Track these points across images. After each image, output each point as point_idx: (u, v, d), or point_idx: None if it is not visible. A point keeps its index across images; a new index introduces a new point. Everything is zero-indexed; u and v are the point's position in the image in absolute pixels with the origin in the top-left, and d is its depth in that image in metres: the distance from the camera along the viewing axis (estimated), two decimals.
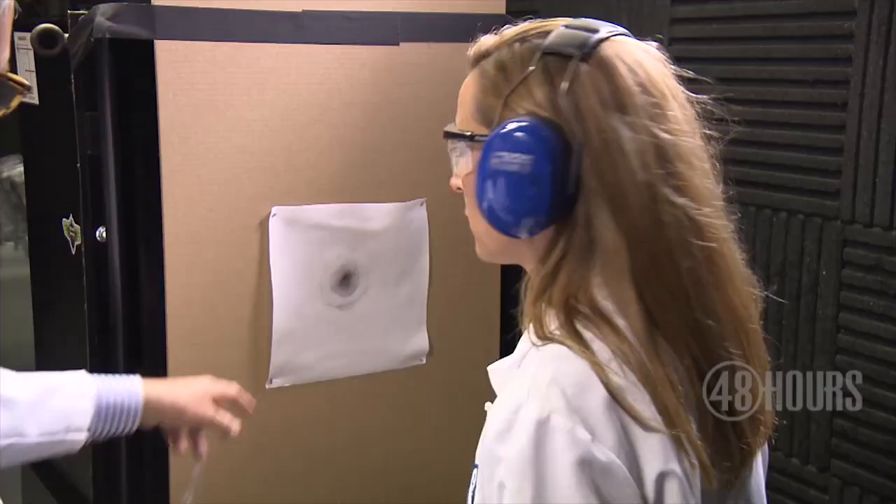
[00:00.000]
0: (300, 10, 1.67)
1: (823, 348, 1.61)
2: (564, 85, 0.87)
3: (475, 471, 0.90)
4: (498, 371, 0.98)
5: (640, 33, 0.99)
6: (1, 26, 0.75)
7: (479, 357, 1.96)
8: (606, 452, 0.82)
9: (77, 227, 1.71)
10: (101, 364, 1.64)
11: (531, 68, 0.89)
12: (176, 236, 1.61)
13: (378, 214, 1.79)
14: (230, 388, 1.39)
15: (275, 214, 1.68)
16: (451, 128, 0.96)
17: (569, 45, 0.89)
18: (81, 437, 1.18)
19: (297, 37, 1.67)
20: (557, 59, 0.89)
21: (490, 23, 1.73)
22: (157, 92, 1.55)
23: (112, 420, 1.19)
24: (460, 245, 1.89)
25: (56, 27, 1.52)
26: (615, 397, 0.84)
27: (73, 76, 1.57)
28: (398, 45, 1.77)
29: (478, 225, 0.95)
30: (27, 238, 2.43)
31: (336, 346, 1.79)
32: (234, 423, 1.34)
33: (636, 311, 0.87)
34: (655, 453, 0.84)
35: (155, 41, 1.54)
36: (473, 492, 0.91)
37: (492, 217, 0.90)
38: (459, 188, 0.98)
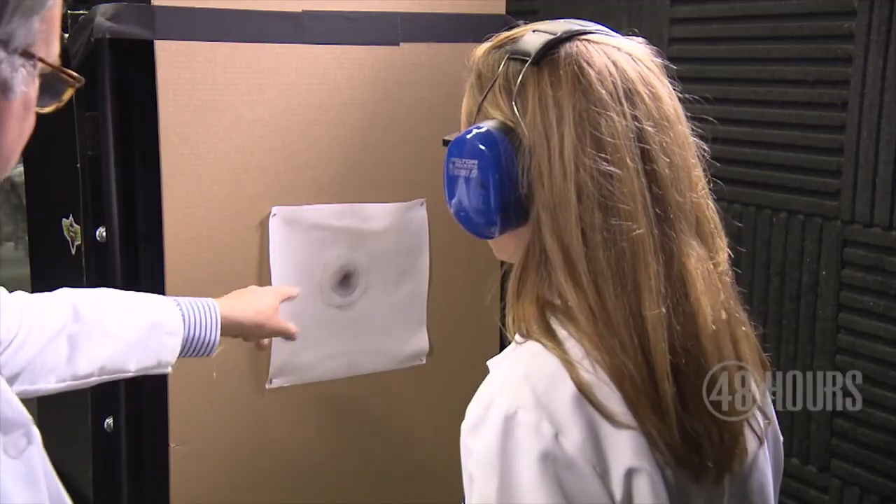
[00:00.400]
0: (300, 10, 1.67)
1: (823, 348, 1.62)
2: (515, 89, 0.91)
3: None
4: (497, 365, 0.99)
5: (639, 33, 0.99)
6: (51, 19, 0.77)
7: (479, 357, 1.94)
8: (571, 447, 0.83)
9: (77, 227, 1.70)
10: None
11: (497, 74, 0.93)
12: (176, 236, 1.61)
13: (378, 214, 1.79)
14: (292, 290, 1.58)
15: (275, 214, 1.68)
16: (448, 136, 0.99)
17: (526, 50, 0.92)
18: (167, 370, 1.38)
19: (296, 37, 1.67)
20: (516, 63, 0.92)
21: (490, 23, 1.74)
22: (157, 92, 1.55)
23: (194, 349, 1.39)
24: (460, 245, 1.91)
25: None
26: (584, 393, 0.85)
27: None
28: (398, 45, 1.77)
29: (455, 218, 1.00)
30: (27, 238, 2.43)
31: (336, 346, 1.79)
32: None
33: (580, 306, 0.88)
34: (624, 449, 0.85)
35: (155, 41, 1.54)
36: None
37: (459, 219, 0.96)
38: None
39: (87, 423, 1.66)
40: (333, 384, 1.80)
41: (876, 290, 1.54)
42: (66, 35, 1.53)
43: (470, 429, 0.88)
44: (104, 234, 1.60)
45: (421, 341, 1.88)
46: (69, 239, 1.78)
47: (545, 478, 0.82)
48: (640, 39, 0.97)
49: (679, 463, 0.87)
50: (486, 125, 0.92)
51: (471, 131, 0.92)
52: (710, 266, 0.93)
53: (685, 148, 0.93)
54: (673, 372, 0.87)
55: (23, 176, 2.34)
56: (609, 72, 0.91)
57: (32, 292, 2.20)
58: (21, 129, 0.78)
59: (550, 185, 0.89)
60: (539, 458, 0.83)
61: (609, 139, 0.88)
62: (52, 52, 0.78)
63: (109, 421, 1.64)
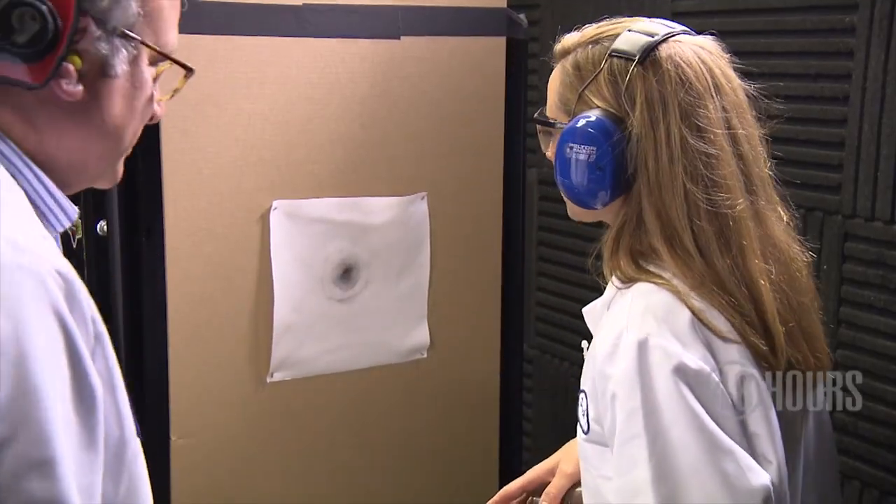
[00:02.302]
0: (301, 3, 1.67)
1: None
2: (623, 85, 1.07)
3: (581, 396, 1.10)
4: (591, 312, 1.19)
5: None
6: (154, 9, 0.85)
7: (479, 351, 1.97)
8: (696, 361, 1.01)
9: (78, 220, 1.69)
10: None
11: (601, 68, 1.09)
12: (177, 230, 1.61)
13: (379, 208, 1.79)
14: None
15: (276, 208, 1.69)
16: (539, 115, 1.17)
17: (630, 49, 1.08)
18: None
19: (297, 30, 1.67)
20: (621, 61, 1.08)
21: (491, 17, 1.76)
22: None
23: None
24: (461, 239, 1.92)
25: None
26: (697, 317, 1.03)
27: None
28: (399, 38, 1.77)
29: (563, 191, 1.15)
30: None
31: (337, 340, 1.79)
32: None
33: (674, 262, 1.06)
34: (735, 359, 1.04)
35: None
36: (585, 412, 1.09)
37: (567, 192, 1.13)
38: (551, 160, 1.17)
39: None
40: (334, 378, 1.81)
41: (877, 284, 1.54)
42: None
43: (605, 357, 1.04)
44: (105, 227, 1.60)
45: (422, 335, 1.89)
46: (70, 232, 1.78)
47: (680, 388, 0.99)
48: (711, 37, 1.14)
49: (775, 366, 1.06)
50: (596, 115, 1.08)
51: (582, 120, 1.08)
52: (784, 226, 1.13)
53: (755, 129, 1.12)
54: (778, 312, 1.06)
55: None
56: (701, 69, 1.08)
57: None
58: (131, 107, 0.86)
59: (656, 168, 1.05)
60: (672, 372, 1.00)
61: (707, 127, 1.06)
62: (163, 41, 0.87)
63: None
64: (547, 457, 1.38)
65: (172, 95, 0.95)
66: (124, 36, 0.82)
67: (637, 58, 1.07)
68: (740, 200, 1.06)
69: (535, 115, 1.18)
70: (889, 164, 1.50)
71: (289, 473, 1.79)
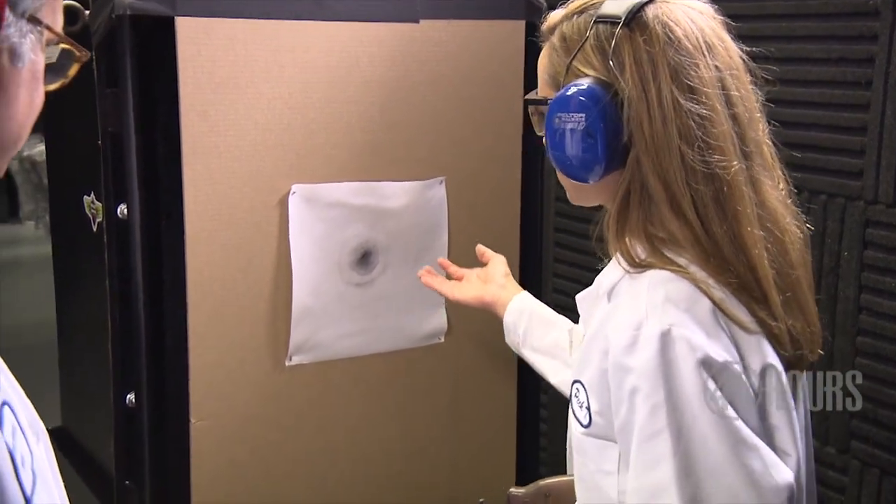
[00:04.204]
0: None
1: (844, 329, 1.62)
2: (611, 49, 1.03)
3: (575, 387, 1.08)
4: (585, 299, 1.16)
5: None
6: None
7: (497, 336, 1.96)
8: (721, 353, 0.99)
9: (98, 204, 1.71)
10: (122, 341, 1.66)
11: (586, 37, 1.05)
12: (197, 213, 1.62)
13: (397, 193, 1.80)
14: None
15: (294, 192, 1.69)
16: (530, 96, 1.15)
17: (615, 12, 1.05)
18: None
19: (316, 14, 1.67)
20: (606, 26, 1.05)
21: (509, 0, 1.75)
22: (178, 69, 1.56)
23: None
24: (479, 224, 1.91)
25: (77, 4, 1.52)
26: (719, 307, 1.01)
27: (93, 53, 1.58)
28: (418, 22, 1.77)
29: (561, 175, 1.12)
30: (48, 216, 2.46)
31: (355, 325, 1.80)
32: None
33: (686, 238, 1.02)
34: (757, 350, 1.02)
35: (175, 17, 1.55)
36: (583, 405, 1.07)
37: (560, 166, 1.09)
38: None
39: (109, 398, 1.68)
40: (352, 362, 1.82)
41: None
42: (87, 12, 1.54)
43: (624, 349, 1.00)
44: (125, 210, 1.61)
45: (439, 320, 1.90)
46: (90, 216, 1.79)
47: (705, 382, 0.96)
48: (703, 0, 1.10)
49: (790, 357, 1.05)
50: (585, 82, 1.04)
51: (571, 88, 1.04)
52: (779, 193, 1.09)
53: (750, 92, 1.08)
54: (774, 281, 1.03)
55: (43, 155, 2.36)
56: (690, 28, 1.04)
57: (55, 270, 2.24)
58: (31, 101, 0.75)
59: (651, 131, 1.02)
60: (697, 365, 0.97)
61: (700, 87, 1.02)
62: (59, 23, 0.77)
63: (131, 396, 1.66)
64: (565, 445, 1.39)
65: (61, 86, 0.82)
66: (32, 20, 0.72)
67: (622, 20, 1.04)
68: (735, 163, 1.03)
69: (525, 96, 1.16)
70: None
71: (305, 455, 1.80)
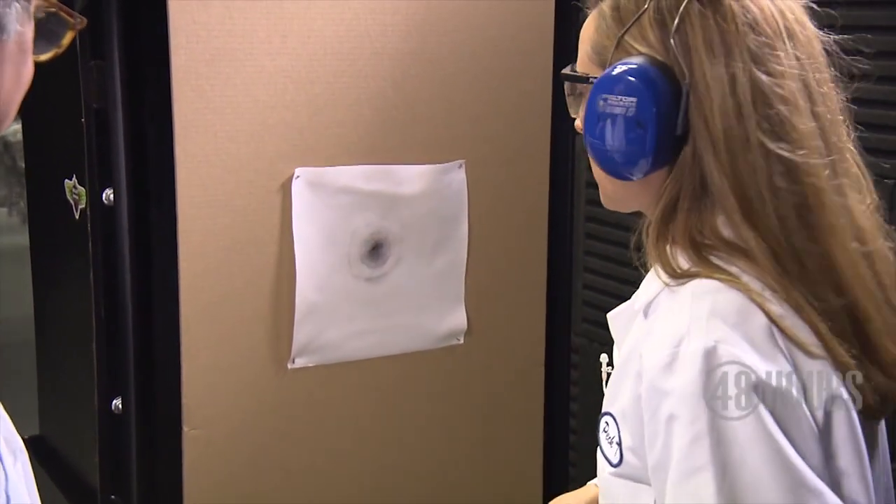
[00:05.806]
0: None
1: None
2: (674, 25, 0.96)
3: (605, 421, 1.02)
4: (618, 317, 1.09)
5: None
6: None
7: (522, 336, 1.96)
8: (777, 377, 0.90)
9: (81, 189, 1.72)
10: (108, 341, 1.66)
11: (644, 8, 0.98)
12: (190, 199, 1.61)
13: (412, 177, 1.79)
14: None
15: (298, 176, 1.68)
16: (567, 70, 1.06)
17: None
18: None
19: None
20: None
21: None
22: (169, 39, 1.56)
23: None
24: (502, 212, 1.91)
25: None
26: (777, 324, 0.92)
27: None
28: None
29: (597, 169, 1.04)
30: (24, 203, 2.44)
31: (365, 323, 1.79)
32: None
33: (760, 248, 0.95)
34: (821, 378, 0.93)
35: None
36: (613, 440, 1.01)
37: (599, 158, 1.01)
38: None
39: (93, 403, 1.68)
40: (361, 365, 1.81)
41: None
42: None
43: (661, 370, 0.93)
44: (111, 196, 1.61)
45: (458, 318, 1.88)
46: (72, 202, 1.80)
47: (757, 409, 0.89)
48: None
49: (865, 394, 0.95)
50: (638, 61, 0.96)
51: (620, 66, 0.97)
52: (867, 207, 1.00)
53: (832, 90, 1.00)
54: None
55: (18, 134, 2.34)
56: (770, 9, 0.97)
57: (32, 262, 2.22)
58: (18, 76, 0.77)
59: (721, 125, 0.94)
60: (748, 389, 0.89)
61: (780, 78, 0.95)
62: None
63: (118, 402, 1.66)
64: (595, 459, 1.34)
65: (54, 55, 0.85)
66: None
67: None
68: (825, 170, 0.96)
69: (563, 70, 1.09)
70: None
71: (310, 469, 1.79)
